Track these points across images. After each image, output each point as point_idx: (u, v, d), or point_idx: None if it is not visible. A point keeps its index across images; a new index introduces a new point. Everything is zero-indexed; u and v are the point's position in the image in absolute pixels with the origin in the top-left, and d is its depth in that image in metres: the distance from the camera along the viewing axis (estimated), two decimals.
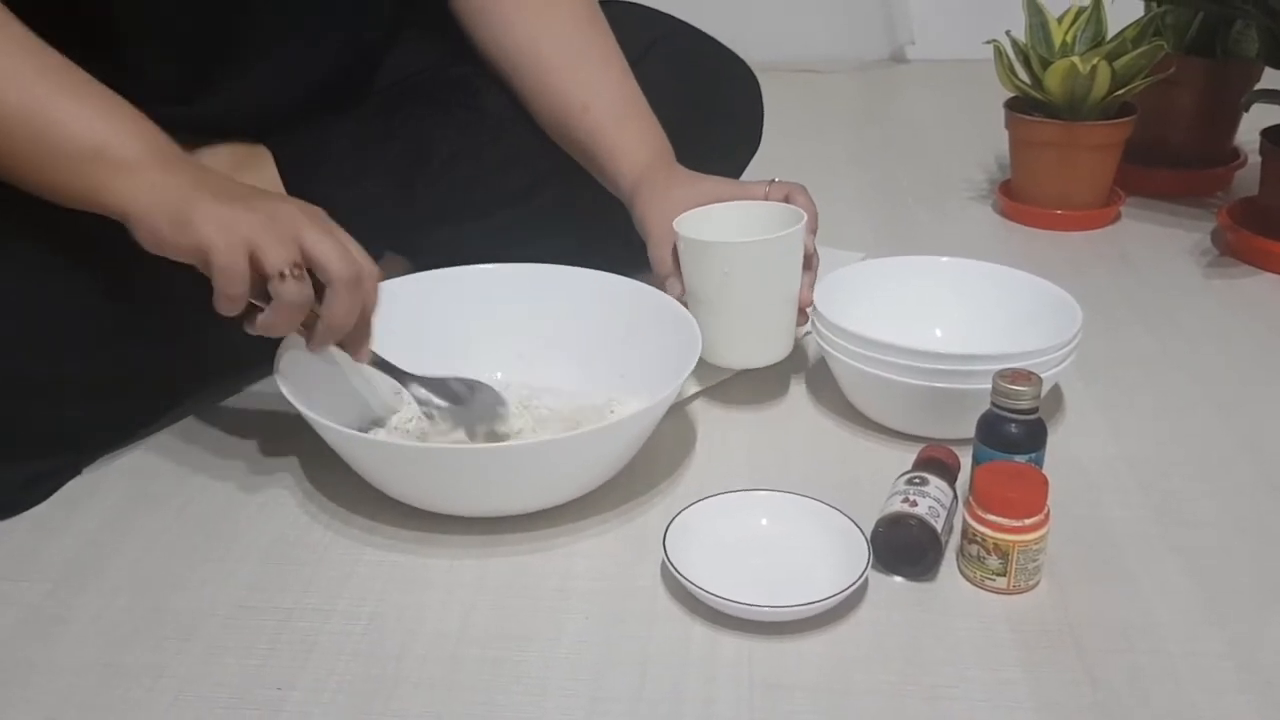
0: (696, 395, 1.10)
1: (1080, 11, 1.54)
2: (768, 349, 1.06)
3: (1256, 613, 0.83)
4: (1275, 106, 1.41)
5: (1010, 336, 1.05)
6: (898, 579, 0.86)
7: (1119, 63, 1.46)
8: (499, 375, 1.07)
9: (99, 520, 0.94)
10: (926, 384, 0.97)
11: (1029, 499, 0.83)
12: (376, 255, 1.17)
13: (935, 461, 0.92)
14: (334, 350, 0.92)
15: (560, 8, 1.15)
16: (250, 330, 0.87)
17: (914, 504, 0.86)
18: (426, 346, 1.06)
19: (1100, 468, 1.00)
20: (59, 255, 0.93)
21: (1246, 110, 1.48)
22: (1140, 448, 1.03)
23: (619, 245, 1.11)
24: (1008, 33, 1.55)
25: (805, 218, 1.03)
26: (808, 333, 1.13)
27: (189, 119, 1.01)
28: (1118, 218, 1.57)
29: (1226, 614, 0.83)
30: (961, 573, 0.86)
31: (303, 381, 0.94)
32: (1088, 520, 0.92)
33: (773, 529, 0.89)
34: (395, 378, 0.97)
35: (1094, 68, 1.44)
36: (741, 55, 1.35)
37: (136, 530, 0.93)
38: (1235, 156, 1.66)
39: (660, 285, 1.06)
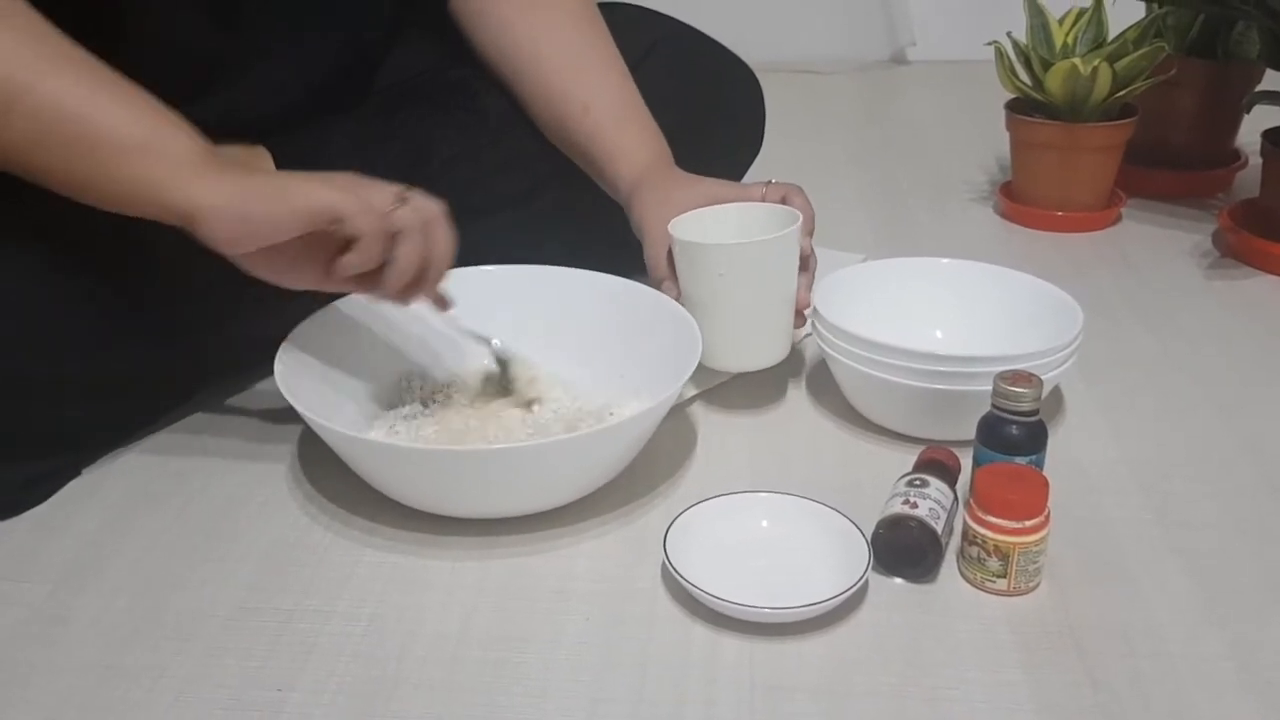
0: (696, 397, 1.09)
1: (1081, 13, 1.54)
2: (765, 351, 1.06)
3: (1257, 614, 0.83)
4: (1276, 108, 1.41)
5: (1011, 338, 1.05)
6: (898, 581, 0.86)
7: (1120, 64, 1.46)
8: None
9: (99, 521, 0.94)
10: (927, 386, 0.97)
11: (1029, 501, 0.83)
12: None
13: (936, 463, 0.92)
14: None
15: (559, 10, 1.15)
16: (375, 292, 0.91)
17: (914, 506, 0.86)
18: (425, 347, 1.07)
19: (1101, 469, 1.00)
20: (59, 256, 0.93)
21: (1248, 112, 1.48)
22: (1141, 449, 1.03)
23: (618, 247, 1.11)
24: (1009, 34, 1.55)
25: (801, 219, 1.03)
26: (807, 334, 1.13)
27: (189, 120, 1.01)
28: (1119, 219, 1.57)
29: (1227, 615, 0.83)
30: (962, 574, 0.86)
31: (303, 382, 0.94)
32: (1088, 522, 0.92)
33: (773, 531, 0.89)
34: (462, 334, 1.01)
35: (1095, 69, 1.44)
36: (742, 56, 1.35)
37: (136, 531, 0.92)
38: (1236, 158, 1.66)
39: (656, 288, 1.06)
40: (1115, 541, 0.90)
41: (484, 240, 1.15)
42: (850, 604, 0.82)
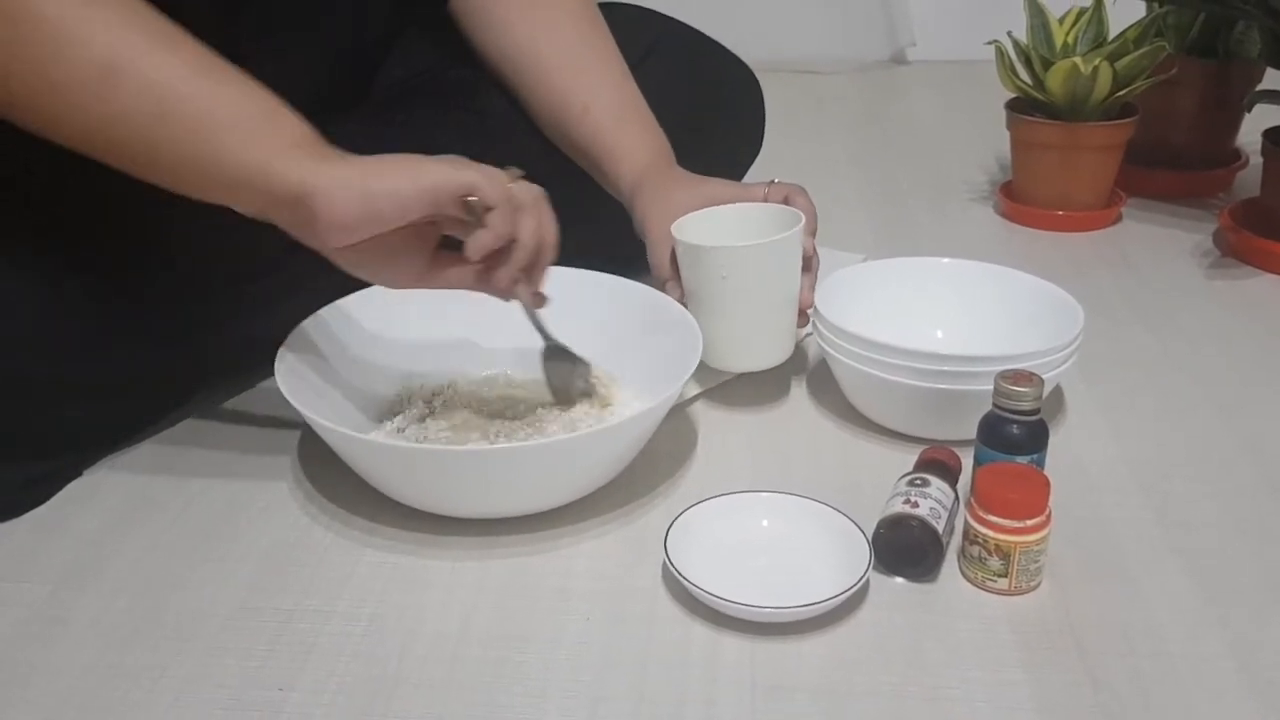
0: (697, 396, 1.09)
1: (1081, 12, 1.54)
2: (768, 352, 1.06)
3: (1257, 614, 0.83)
4: (1277, 107, 1.41)
5: (1011, 338, 1.05)
6: (899, 580, 0.86)
7: (1120, 63, 1.46)
8: (509, 372, 1.07)
9: (99, 521, 0.94)
10: (928, 385, 0.97)
11: (1030, 500, 0.83)
12: None
13: (936, 463, 0.92)
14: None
15: (559, 10, 1.15)
16: (502, 277, 0.90)
17: (915, 505, 0.86)
18: (427, 347, 1.07)
19: (1102, 469, 1.00)
20: (60, 257, 0.93)
21: (1248, 111, 1.48)
22: (1141, 449, 1.02)
23: (619, 247, 1.11)
24: (1009, 33, 1.55)
25: (803, 220, 1.03)
26: (808, 334, 1.13)
27: None
28: (1119, 219, 1.57)
29: (1227, 615, 0.82)
30: (963, 574, 0.86)
31: (303, 383, 0.94)
32: (1089, 521, 0.92)
33: (774, 530, 0.89)
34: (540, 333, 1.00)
35: (1095, 68, 1.44)
36: (742, 57, 1.35)
37: (137, 532, 0.92)
38: (1237, 157, 1.66)
39: (660, 288, 1.06)
40: (1116, 541, 0.90)
41: None
42: (851, 603, 0.82)
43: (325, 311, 1.01)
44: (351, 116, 1.15)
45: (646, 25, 1.28)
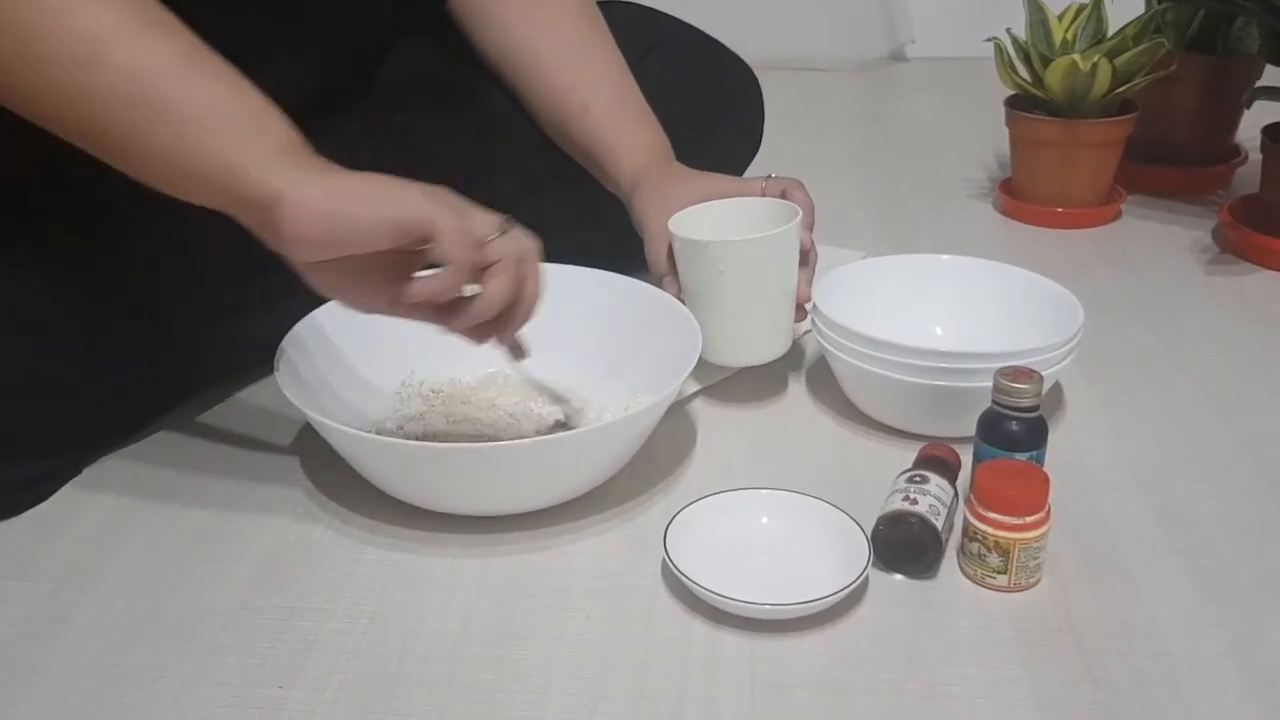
0: (697, 394, 1.09)
1: (1081, 9, 1.54)
2: (766, 346, 1.06)
3: (1257, 613, 0.83)
4: (1276, 103, 1.41)
5: (1011, 335, 1.05)
6: (898, 577, 0.86)
7: (1120, 60, 1.46)
8: (508, 371, 1.07)
9: (99, 520, 0.94)
10: (927, 382, 0.97)
11: (1030, 497, 0.83)
12: None
13: (936, 459, 0.92)
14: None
15: (559, 9, 1.15)
16: (455, 325, 0.85)
17: (914, 502, 0.86)
18: (427, 346, 1.06)
19: (1101, 466, 1.00)
20: (60, 257, 0.93)
21: (1248, 107, 1.48)
22: (1141, 446, 1.03)
23: (619, 244, 1.11)
24: (1008, 30, 1.55)
25: (800, 214, 1.03)
26: (808, 331, 1.13)
27: None
28: (1118, 215, 1.57)
29: (1227, 614, 0.83)
30: (962, 571, 0.86)
31: (303, 381, 0.94)
32: (1088, 519, 0.92)
33: (773, 527, 0.89)
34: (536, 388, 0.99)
35: (1095, 65, 1.44)
36: (741, 55, 1.35)
37: (137, 530, 0.93)
38: (1236, 154, 1.66)
39: (657, 284, 1.06)
40: (1115, 538, 0.90)
41: None
42: (850, 600, 0.82)
43: (325, 309, 1.01)
44: (351, 116, 1.15)
45: (646, 24, 1.28)
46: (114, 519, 0.94)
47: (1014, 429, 0.89)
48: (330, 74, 1.12)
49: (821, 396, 1.10)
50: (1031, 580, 0.84)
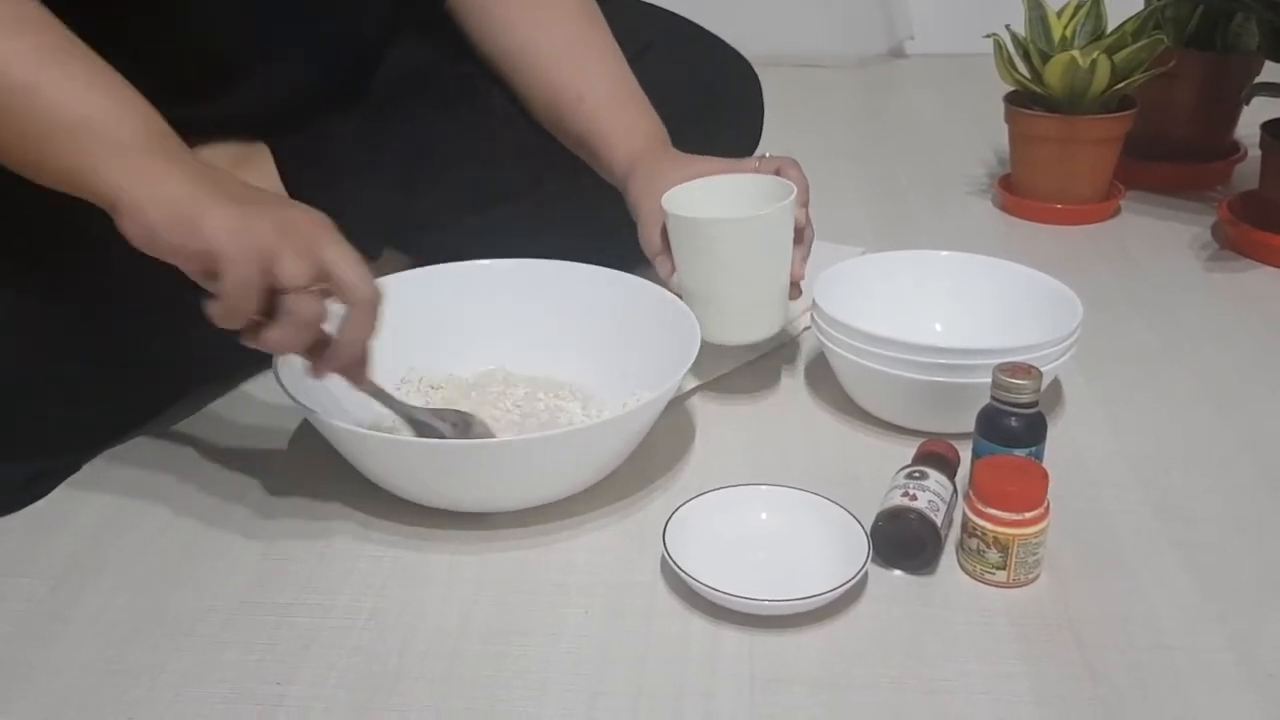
0: (696, 389, 1.09)
1: (1080, 5, 1.54)
2: (760, 325, 1.05)
3: (1256, 608, 0.83)
4: (1275, 100, 1.41)
5: (1010, 330, 1.05)
6: (897, 573, 0.86)
7: (1119, 56, 1.46)
8: (507, 367, 1.07)
9: (98, 518, 0.94)
10: (926, 378, 0.97)
11: (1029, 493, 0.83)
12: (377, 253, 1.18)
13: (935, 455, 0.92)
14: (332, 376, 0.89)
15: (558, 8, 1.15)
16: (249, 344, 0.82)
17: (914, 498, 0.86)
18: (425, 342, 1.07)
19: (1100, 462, 1.00)
20: (59, 254, 0.93)
21: (1247, 103, 1.48)
22: (1140, 442, 1.03)
23: (618, 240, 1.11)
24: (1007, 26, 1.55)
25: (795, 191, 1.02)
26: (806, 328, 1.13)
27: (192, 121, 1.01)
28: (1117, 212, 1.57)
29: (1226, 609, 0.83)
30: (961, 566, 0.86)
31: (302, 377, 0.94)
32: (1087, 514, 0.92)
33: (772, 523, 0.89)
34: (391, 408, 0.95)
35: (1094, 61, 1.44)
36: (741, 51, 1.34)
37: (136, 527, 0.93)
38: (1235, 150, 1.66)
39: (652, 263, 1.05)
40: (1114, 534, 0.90)
41: (484, 234, 1.16)
42: (849, 596, 0.82)
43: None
44: (351, 116, 1.15)
45: (646, 20, 1.28)
46: (113, 516, 0.94)
47: (1013, 425, 0.89)
48: (329, 74, 1.12)
49: (821, 392, 1.10)
50: (1030, 576, 0.84)
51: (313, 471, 0.98)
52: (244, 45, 1.04)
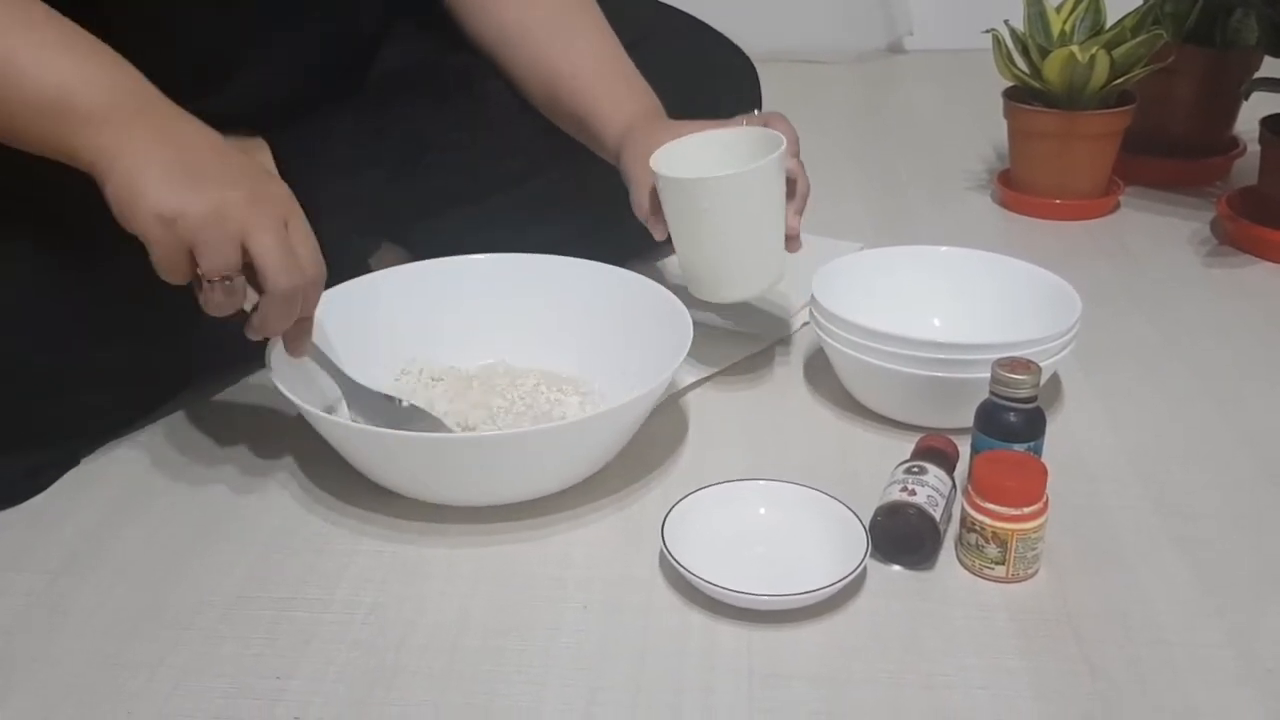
0: (695, 384, 1.09)
1: (1079, 0, 1.54)
2: (754, 280, 1.04)
3: (1255, 603, 0.83)
4: (1275, 95, 1.41)
5: (1009, 326, 1.05)
6: (896, 568, 0.86)
7: (1118, 52, 1.46)
8: (507, 360, 1.07)
9: (97, 511, 0.94)
10: (925, 373, 0.97)
11: (1028, 488, 0.83)
12: (374, 245, 1.18)
13: (934, 450, 0.92)
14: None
15: None
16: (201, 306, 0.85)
17: (912, 493, 0.86)
18: (423, 335, 1.07)
19: (1099, 457, 1.00)
20: (57, 247, 0.93)
21: (1246, 99, 1.48)
22: (1139, 437, 1.03)
23: (615, 233, 1.11)
24: (1006, 22, 1.54)
25: (784, 144, 1.00)
26: (806, 323, 1.13)
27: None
28: (1117, 207, 1.57)
29: (1225, 604, 0.83)
30: (960, 561, 0.86)
31: (297, 371, 0.94)
32: (1086, 510, 0.92)
33: (771, 518, 0.89)
34: (335, 380, 0.96)
35: (1093, 57, 1.44)
36: (739, 45, 1.34)
37: (135, 521, 0.93)
38: (1234, 145, 1.66)
39: (650, 261, 1.05)
40: (1113, 529, 0.90)
41: (481, 225, 1.16)
42: (848, 591, 0.82)
43: (322, 299, 1.01)
44: (349, 107, 1.15)
45: (642, 12, 1.28)
46: (112, 510, 0.94)
47: (1012, 420, 0.89)
48: (328, 71, 1.12)
49: (819, 387, 1.10)
50: (1029, 571, 0.84)
51: (312, 465, 0.98)
52: (232, 45, 1.04)
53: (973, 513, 0.84)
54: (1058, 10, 1.55)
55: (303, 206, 0.87)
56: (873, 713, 0.74)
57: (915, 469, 0.89)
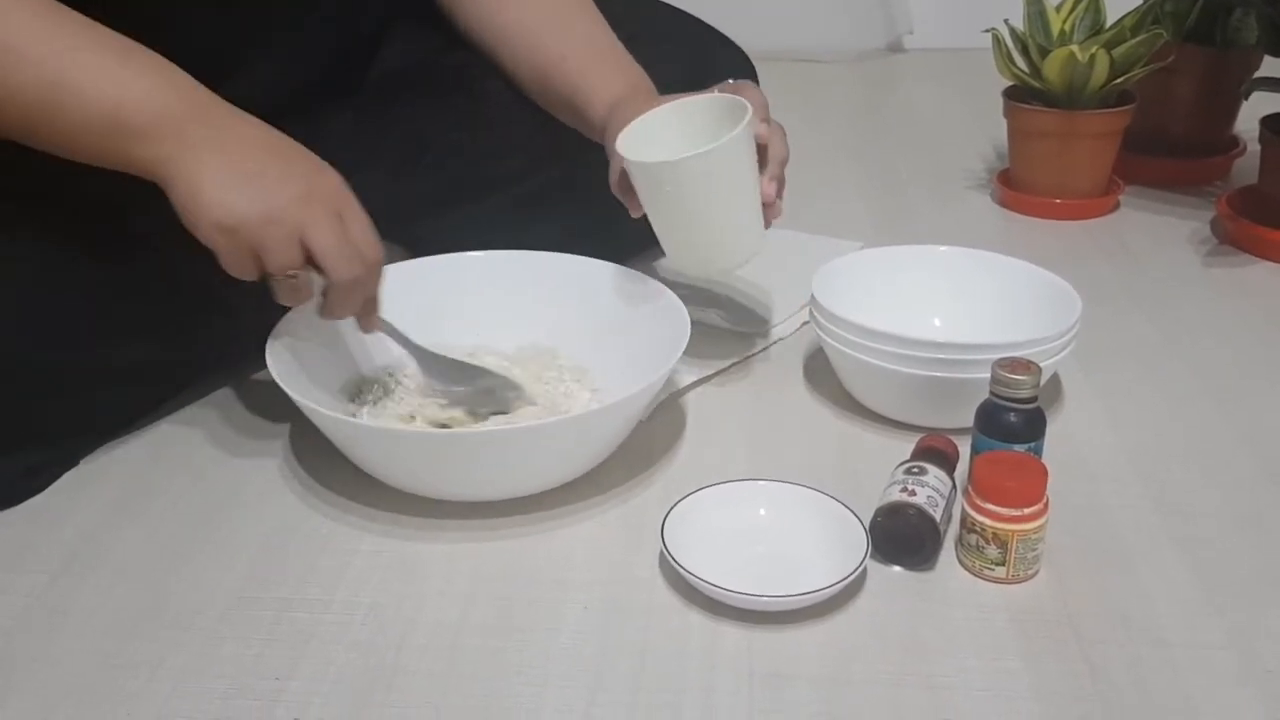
0: (695, 384, 1.09)
1: (1079, 0, 1.54)
2: (732, 253, 1.03)
3: (1255, 603, 0.83)
4: (1274, 94, 1.41)
5: (1009, 326, 1.05)
6: (896, 569, 0.86)
7: (1118, 51, 1.46)
8: (508, 355, 1.07)
9: (97, 511, 0.94)
10: (925, 373, 0.97)
11: (1028, 488, 0.83)
12: None
13: (934, 451, 0.92)
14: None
15: None
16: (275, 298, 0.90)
17: (913, 493, 0.86)
18: (422, 331, 1.06)
19: (1099, 457, 1.00)
20: (58, 246, 0.93)
21: (1246, 98, 1.48)
22: (1140, 437, 1.02)
23: (612, 230, 1.11)
24: (1006, 21, 1.54)
25: (749, 113, 0.98)
26: (806, 323, 1.13)
27: None
28: (1116, 206, 1.57)
29: (1225, 604, 0.83)
30: (960, 562, 0.86)
31: (295, 368, 0.94)
32: (1087, 510, 0.92)
33: (771, 519, 0.89)
34: (407, 349, 1.00)
35: (1093, 56, 1.44)
36: (739, 44, 1.34)
37: (134, 521, 0.92)
38: (1234, 145, 1.66)
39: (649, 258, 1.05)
40: (1114, 530, 0.90)
41: (481, 223, 1.16)
42: (848, 592, 0.82)
43: (317, 299, 1.01)
44: (349, 106, 1.15)
45: (640, 9, 1.27)
46: (111, 508, 0.94)
47: (1012, 420, 0.89)
48: (327, 63, 1.12)
49: (819, 388, 1.10)
50: (1030, 571, 0.84)
51: (310, 465, 0.98)
52: (232, 45, 1.04)
53: (973, 513, 0.84)
54: (1058, 9, 1.55)
55: None
56: (873, 713, 0.74)
57: (915, 469, 0.89)
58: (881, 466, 0.92)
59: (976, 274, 1.13)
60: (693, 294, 1.14)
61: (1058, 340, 0.99)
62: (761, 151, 1.01)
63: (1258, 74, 1.55)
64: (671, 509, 0.87)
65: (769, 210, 1.03)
